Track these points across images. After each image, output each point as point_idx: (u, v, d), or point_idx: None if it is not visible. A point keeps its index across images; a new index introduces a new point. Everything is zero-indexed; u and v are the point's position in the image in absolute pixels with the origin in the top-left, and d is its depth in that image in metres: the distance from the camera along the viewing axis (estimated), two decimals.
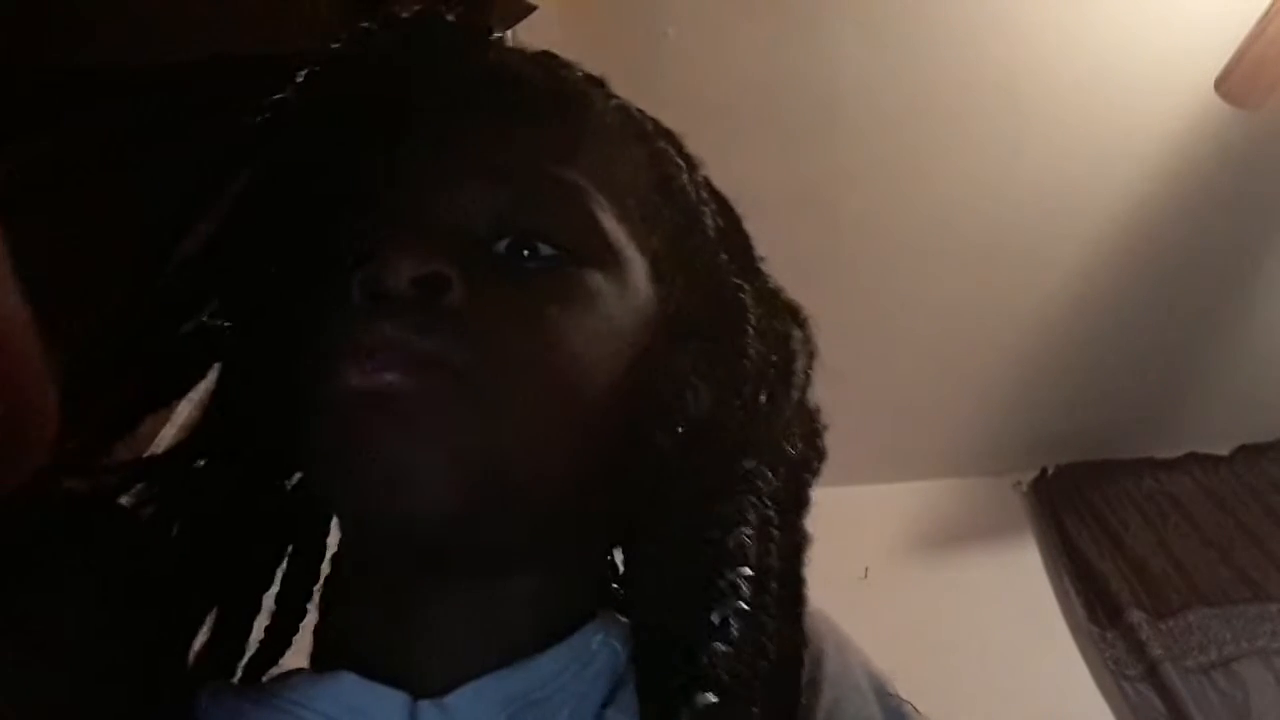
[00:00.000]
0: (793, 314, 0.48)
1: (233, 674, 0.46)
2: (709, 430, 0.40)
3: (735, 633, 0.35)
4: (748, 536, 0.37)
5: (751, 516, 0.38)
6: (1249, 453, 2.64)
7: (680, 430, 0.40)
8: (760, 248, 0.51)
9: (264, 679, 0.46)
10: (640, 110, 0.49)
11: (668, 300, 0.44)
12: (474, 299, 0.37)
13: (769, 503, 0.39)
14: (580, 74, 0.48)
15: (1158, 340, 2.43)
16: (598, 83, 0.48)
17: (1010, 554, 2.59)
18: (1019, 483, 2.71)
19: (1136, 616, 2.31)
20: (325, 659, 0.44)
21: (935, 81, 1.93)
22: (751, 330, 0.44)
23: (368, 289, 0.37)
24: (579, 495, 0.40)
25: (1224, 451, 2.66)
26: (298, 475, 0.48)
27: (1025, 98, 1.96)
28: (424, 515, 0.36)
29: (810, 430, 0.45)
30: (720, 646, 0.34)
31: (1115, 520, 2.55)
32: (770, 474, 0.40)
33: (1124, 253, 2.24)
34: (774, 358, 0.44)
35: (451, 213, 0.40)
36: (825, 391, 0.46)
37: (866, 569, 2.50)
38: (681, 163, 0.48)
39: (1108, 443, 2.67)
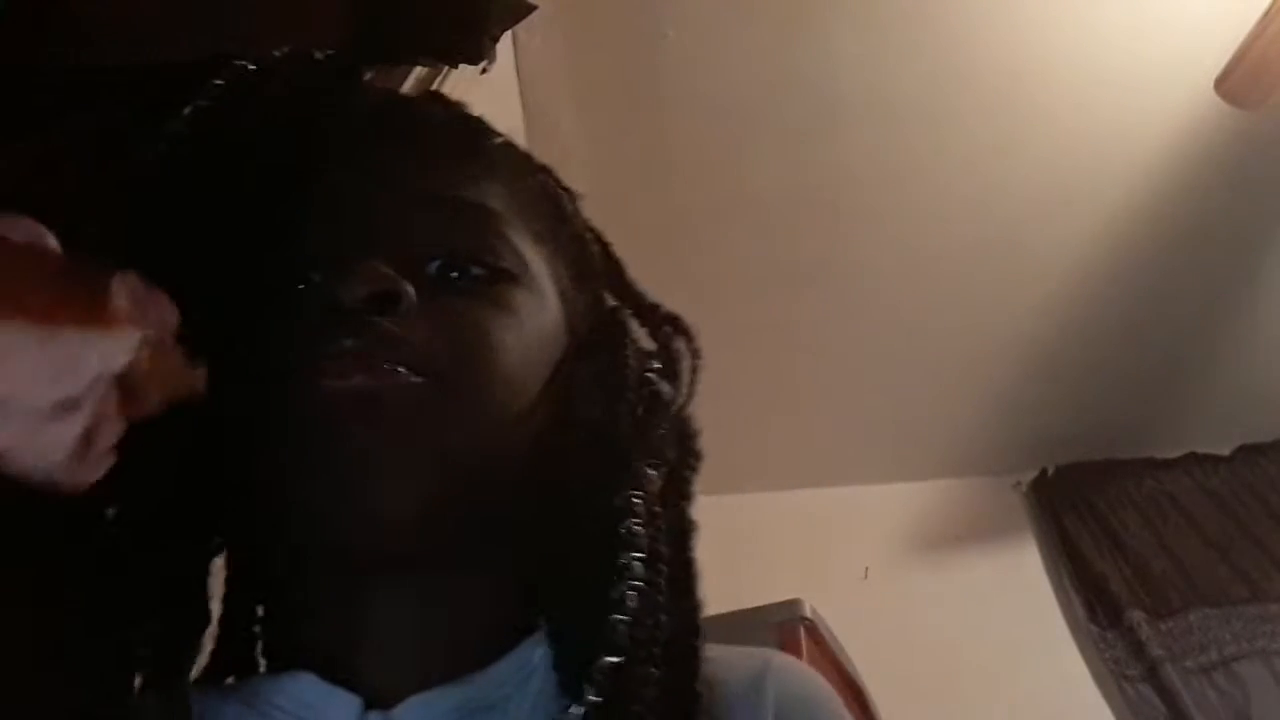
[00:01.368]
0: (674, 325, 0.52)
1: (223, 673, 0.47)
2: (602, 434, 0.46)
3: (632, 606, 0.40)
4: (638, 525, 0.42)
5: (640, 509, 0.43)
6: (1249, 453, 2.65)
7: (580, 434, 0.46)
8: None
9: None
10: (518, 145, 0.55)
11: (570, 316, 0.50)
12: (423, 311, 0.42)
13: (656, 496, 0.44)
14: (468, 110, 0.53)
15: (1158, 340, 2.43)
16: (480, 120, 0.53)
17: (1010, 554, 2.59)
18: (1019, 483, 2.71)
19: (1136, 617, 2.32)
20: (283, 658, 0.46)
21: (935, 82, 1.93)
22: (630, 347, 0.49)
23: (325, 305, 0.41)
24: (517, 492, 0.44)
25: (1224, 451, 2.66)
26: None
27: (1025, 98, 1.96)
28: (390, 506, 0.40)
29: (685, 435, 0.50)
30: (619, 618, 0.40)
31: (1115, 520, 2.55)
32: (653, 473, 0.45)
33: (1124, 252, 2.24)
34: (652, 371, 0.49)
35: (391, 237, 0.44)
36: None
37: (866, 569, 2.50)
38: (565, 193, 0.55)
39: (1108, 443, 2.67)
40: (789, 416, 2.54)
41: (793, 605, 1.46)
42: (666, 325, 0.52)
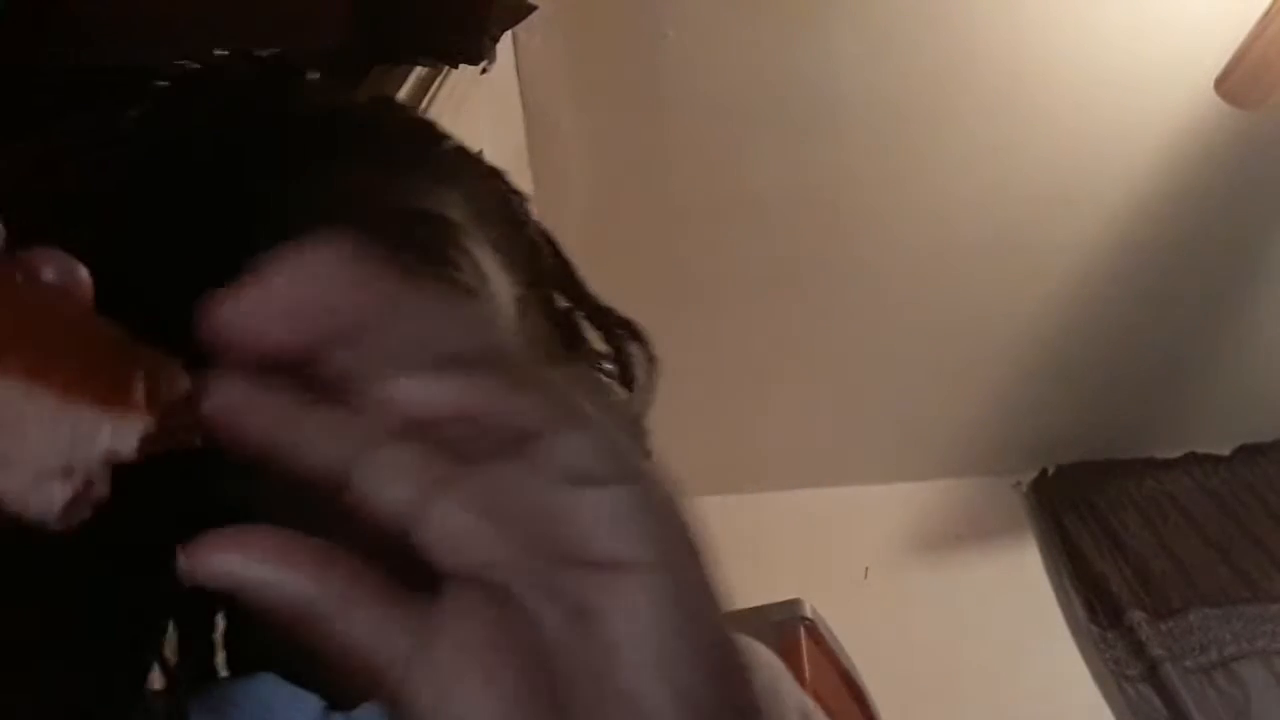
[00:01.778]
0: (627, 329, 0.52)
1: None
2: None
3: None
4: None
5: None
6: (1249, 453, 2.65)
7: None
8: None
9: None
10: (470, 150, 0.54)
11: (525, 322, 0.49)
12: None
13: None
14: (417, 114, 0.53)
15: (1158, 340, 2.43)
16: (430, 123, 0.52)
17: (1010, 554, 2.59)
18: (1019, 483, 2.71)
19: (1137, 617, 2.31)
20: (244, 664, 0.46)
21: (935, 82, 1.93)
22: (584, 350, 0.49)
23: None
24: None
25: (1224, 451, 2.66)
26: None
27: (1026, 98, 1.96)
28: None
29: (637, 433, 0.50)
30: None
31: (1115, 520, 2.55)
32: None
33: (1124, 252, 2.24)
34: (611, 374, 0.49)
35: None
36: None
37: (866, 569, 2.50)
38: (516, 196, 0.54)
39: (1108, 443, 2.67)
40: (789, 416, 2.54)
41: (793, 605, 1.46)
42: (620, 329, 0.52)
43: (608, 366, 0.49)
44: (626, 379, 0.50)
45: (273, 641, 0.43)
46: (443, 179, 0.48)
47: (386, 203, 0.45)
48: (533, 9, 0.66)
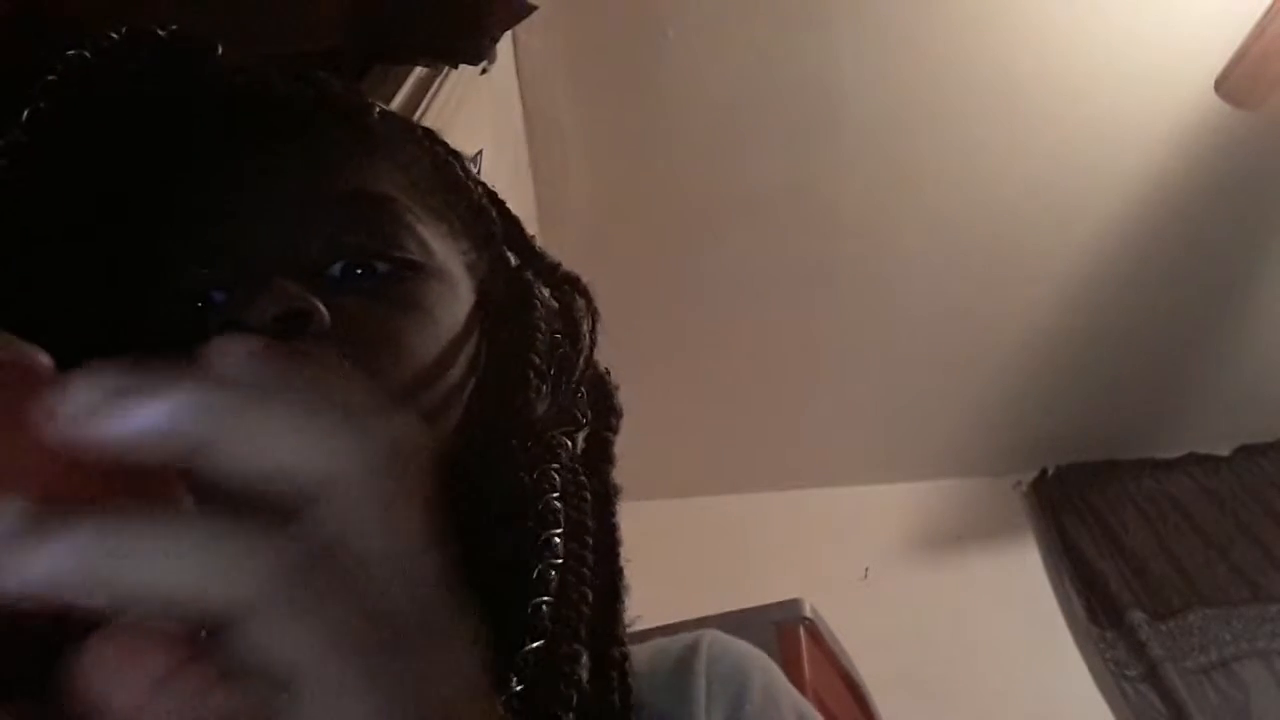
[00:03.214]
0: (573, 285, 0.51)
1: None
2: (514, 405, 0.44)
3: (554, 585, 0.39)
4: (555, 500, 0.41)
5: (557, 481, 0.42)
6: (1249, 453, 2.65)
7: (493, 408, 0.44)
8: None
9: None
10: (400, 114, 0.51)
11: (478, 287, 0.48)
12: (334, 326, 0.39)
13: (575, 466, 0.43)
14: (341, 85, 0.49)
15: (1158, 340, 2.43)
16: (359, 91, 0.50)
17: (1010, 554, 2.59)
18: (1019, 483, 2.71)
19: (1137, 617, 2.32)
20: None
21: (935, 83, 1.93)
22: (539, 310, 0.48)
23: (225, 327, 0.38)
24: (443, 486, 0.43)
25: (1224, 451, 2.66)
26: None
27: (1025, 99, 1.96)
28: None
29: (603, 390, 0.49)
30: (541, 599, 0.38)
31: (1115, 521, 2.55)
32: (569, 441, 0.44)
33: (1125, 252, 2.24)
34: (560, 331, 0.48)
35: (290, 244, 0.42)
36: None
37: (866, 569, 2.50)
38: (454, 158, 0.51)
39: (1108, 443, 2.67)
40: (789, 416, 2.54)
41: (793, 605, 1.46)
42: (566, 285, 0.51)
43: (558, 332, 0.48)
44: (572, 333, 0.49)
45: None
46: (377, 152, 0.47)
47: (319, 186, 0.44)
48: (533, 9, 0.66)
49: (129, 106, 0.42)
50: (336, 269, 0.42)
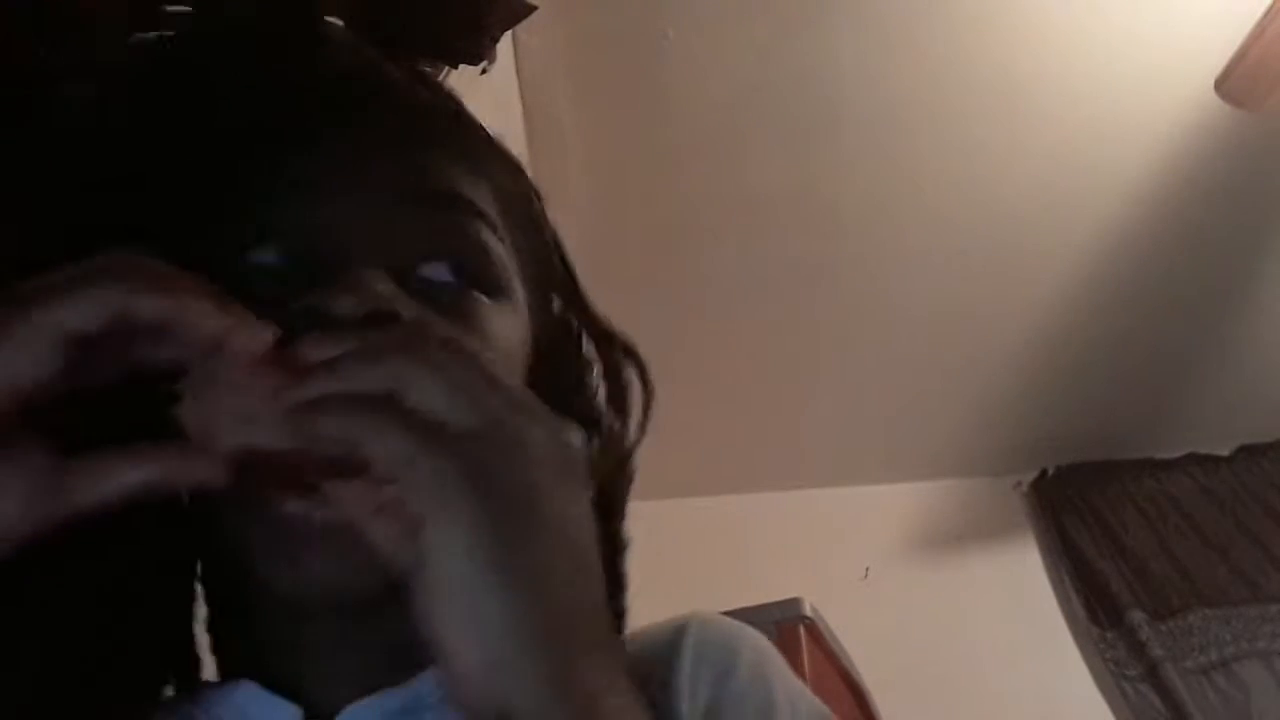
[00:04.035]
0: (627, 352, 0.51)
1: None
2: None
3: None
4: None
5: None
6: (1249, 453, 2.65)
7: None
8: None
9: None
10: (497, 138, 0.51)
11: (532, 326, 0.48)
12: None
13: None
14: (454, 95, 0.48)
15: (1158, 341, 2.43)
16: (461, 104, 0.49)
17: (1010, 554, 2.59)
18: (1019, 483, 2.71)
19: (1137, 617, 2.32)
20: (231, 671, 0.45)
21: (935, 83, 1.93)
22: (584, 364, 0.48)
23: (309, 311, 0.37)
24: None
25: (1224, 451, 2.66)
26: None
27: (1025, 99, 1.96)
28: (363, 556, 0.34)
29: (621, 456, 0.50)
30: None
31: (1115, 521, 2.55)
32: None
33: (1124, 252, 2.24)
34: (608, 392, 0.48)
35: (385, 239, 0.41)
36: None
37: (866, 569, 2.50)
38: (538, 198, 0.51)
39: (1108, 443, 2.67)
40: (789, 416, 2.54)
41: (793, 605, 1.46)
42: (620, 352, 0.50)
43: (599, 382, 0.48)
44: (617, 400, 0.48)
45: (250, 649, 0.42)
46: (480, 169, 0.46)
47: (422, 183, 0.43)
48: (533, 9, 0.66)
49: (238, 71, 0.41)
50: (426, 270, 0.41)
